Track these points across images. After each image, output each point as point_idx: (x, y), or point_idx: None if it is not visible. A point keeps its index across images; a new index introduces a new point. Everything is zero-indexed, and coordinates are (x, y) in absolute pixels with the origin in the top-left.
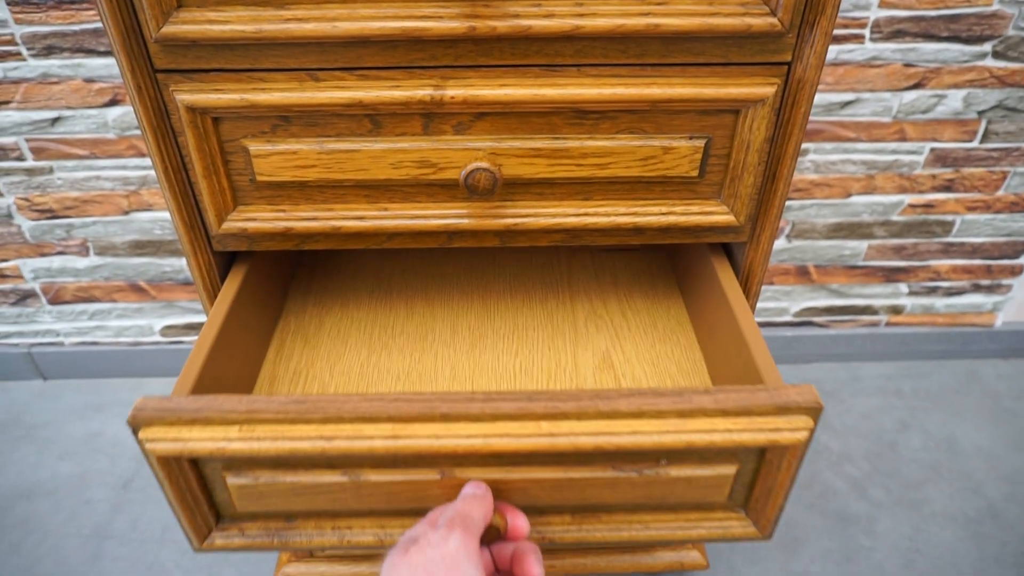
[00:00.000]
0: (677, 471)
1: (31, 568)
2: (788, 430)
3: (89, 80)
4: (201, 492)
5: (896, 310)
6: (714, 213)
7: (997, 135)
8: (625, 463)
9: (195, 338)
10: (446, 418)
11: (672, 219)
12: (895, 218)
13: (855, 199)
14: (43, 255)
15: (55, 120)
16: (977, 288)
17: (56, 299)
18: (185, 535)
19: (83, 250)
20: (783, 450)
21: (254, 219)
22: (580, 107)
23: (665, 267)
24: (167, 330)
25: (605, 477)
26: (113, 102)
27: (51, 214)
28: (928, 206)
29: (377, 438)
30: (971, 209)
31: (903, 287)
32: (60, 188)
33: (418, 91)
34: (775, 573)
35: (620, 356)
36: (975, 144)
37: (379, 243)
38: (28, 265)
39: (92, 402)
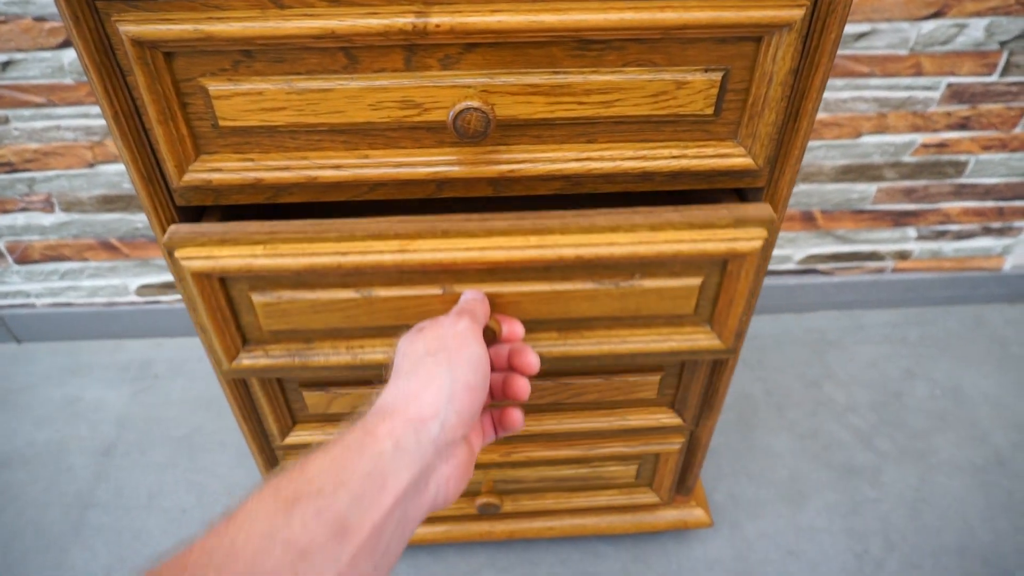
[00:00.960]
0: (649, 283)
1: (12, 539)
2: (745, 240)
3: (39, 19)
4: (230, 312)
5: (903, 255)
6: (730, 155)
7: (1019, 67)
8: (604, 276)
9: (174, 297)
10: (447, 234)
11: (684, 163)
12: (906, 159)
13: (865, 139)
14: (5, 211)
15: (6, 64)
16: (987, 231)
17: (23, 258)
18: (214, 357)
19: (48, 206)
20: (742, 259)
21: (219, 169)
22: (583, 36)
23: None
24: (143, 289)
25: (586, 289)
26: (67, 43)
27: (10, 168)
28: (941, 145)
29: (386, 252)
30: (986, 148)
31: (911, 231)
32: (18, 139)
33: (398, 19)
34: (780, 528)
35: None
36: (995, 78)
37: (360, 194)
38: None
39: (69, 365)
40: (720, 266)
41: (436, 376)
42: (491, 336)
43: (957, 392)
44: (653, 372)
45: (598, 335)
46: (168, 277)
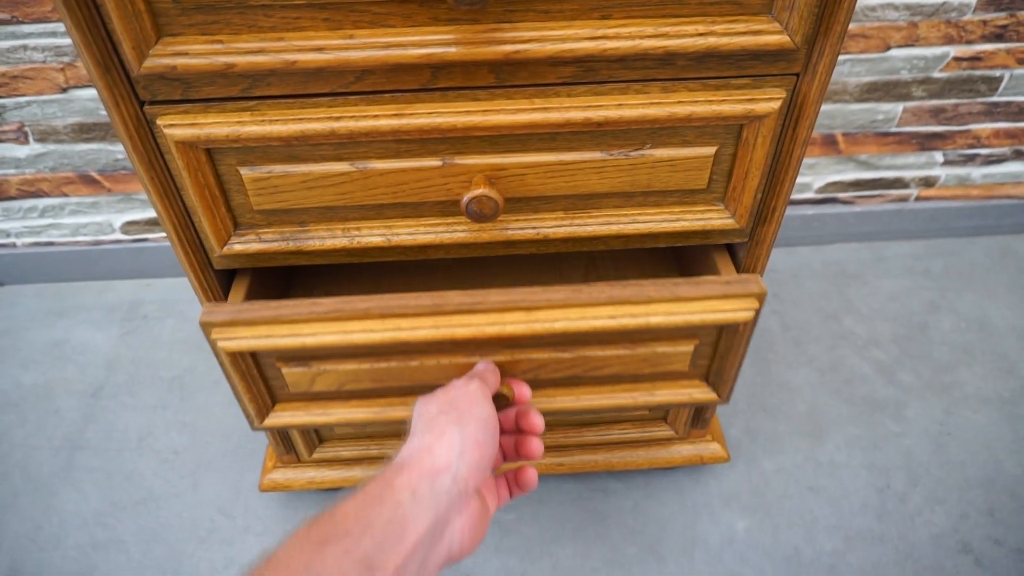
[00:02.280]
0: (661, 152)
1: (0, 482)
2: (763, 100)
3: None
4: (219, 192)
5: (928, 182)
6: (763, 32)
7: None
8: (613, 145)
9: (162, 235)
10: (445, 98)
11: (711, 41)
12: (936, 75)
13: (893, 52)
14: None
15: None
16: (1019, 155)
17: None
18: (204, 245)
19: (21, 136)
20: (759, 123)
21: (184, 54)
22: None
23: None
24: (129, 226)
25: (594, 160)
26: None
27: None
28: (975, 59)
29: (382, 117)
30: (1022, 62)
31: (938, 156)
32: None
33: None
34: (799, 463)
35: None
36: None
37: (346, 84)
38: None
39: (54, 307)
40: (735, 134)
41: (448, 432)
42: (504, 402)
43: (983, 324)
44: (686, 341)
45: (607, 214)
46: (154, 213)
